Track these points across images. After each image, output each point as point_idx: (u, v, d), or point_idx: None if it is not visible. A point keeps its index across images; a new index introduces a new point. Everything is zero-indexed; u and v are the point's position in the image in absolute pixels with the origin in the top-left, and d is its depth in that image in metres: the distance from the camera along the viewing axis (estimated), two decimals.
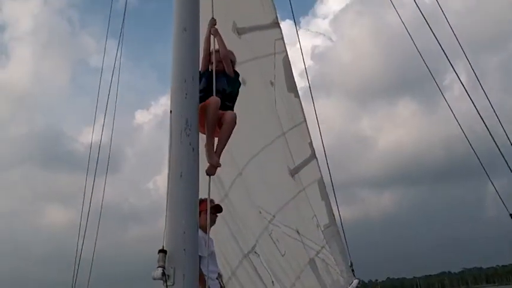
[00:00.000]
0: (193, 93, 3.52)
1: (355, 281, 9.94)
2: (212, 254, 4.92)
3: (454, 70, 5.25)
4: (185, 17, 3.70)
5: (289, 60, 9.30)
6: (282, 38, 9.33)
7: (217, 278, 5.10)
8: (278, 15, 9.30)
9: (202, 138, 3.96)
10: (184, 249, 3.00)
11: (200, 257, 4.69)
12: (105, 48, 5.90)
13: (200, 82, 4.35)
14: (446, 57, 5.15)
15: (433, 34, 5.14)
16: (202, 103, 3.95)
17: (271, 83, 8.77)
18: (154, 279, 2.93)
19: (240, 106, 8.05)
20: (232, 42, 8.28)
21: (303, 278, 7.12)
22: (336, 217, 10.35)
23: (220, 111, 4.15)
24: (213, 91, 4.10)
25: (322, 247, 8.75)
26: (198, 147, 3.43)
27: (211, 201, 5.00)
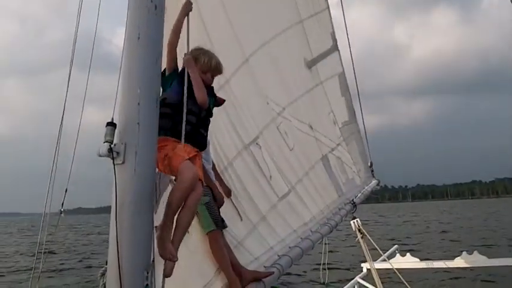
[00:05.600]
0: None
1: (374, 182, 9.54)
2: None
3: None
4: None
5: None
6: None
7: (212, 168, 4.74)
8: None
9: None
10: (138, 123, 2.52)
11: None
12: None
13: (167, 89, 3.37)
14: None
15: None
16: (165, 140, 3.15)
17: None
18: (100, 156, 2.49)
19: None
20: None
21: (312, 175, 6.71)
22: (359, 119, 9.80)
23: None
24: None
25: (338, 144, 8.28)
26: (164, 7, 2.83)
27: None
